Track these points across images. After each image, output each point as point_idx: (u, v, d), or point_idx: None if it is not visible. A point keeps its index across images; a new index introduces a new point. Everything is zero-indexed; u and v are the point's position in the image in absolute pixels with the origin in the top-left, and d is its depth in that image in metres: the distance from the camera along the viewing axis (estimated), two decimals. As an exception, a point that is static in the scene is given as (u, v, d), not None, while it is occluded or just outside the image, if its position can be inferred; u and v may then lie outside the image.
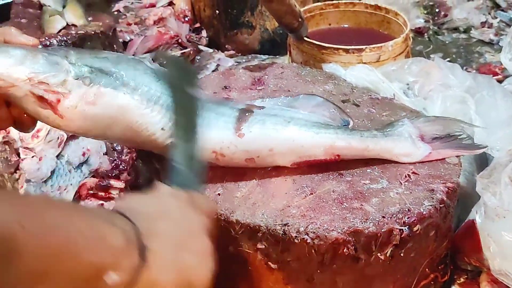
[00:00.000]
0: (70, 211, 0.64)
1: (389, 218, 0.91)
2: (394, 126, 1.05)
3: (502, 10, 2.45)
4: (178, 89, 0.96)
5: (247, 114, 1.00)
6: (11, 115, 0.89)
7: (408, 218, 0.91)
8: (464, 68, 1.99)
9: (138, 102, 0.93)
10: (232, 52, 2.11)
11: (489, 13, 2.42)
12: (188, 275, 0.70)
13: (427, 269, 1.04)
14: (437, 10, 2.37)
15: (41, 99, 0.86)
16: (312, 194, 0.96)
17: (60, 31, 1.75)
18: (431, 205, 0.94)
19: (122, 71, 0.94)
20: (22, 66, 0.85)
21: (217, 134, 0.97)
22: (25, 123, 0.92)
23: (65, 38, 1.67)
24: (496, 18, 2.39)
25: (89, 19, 1.86)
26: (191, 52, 2.00)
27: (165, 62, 1.02)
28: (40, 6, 1.93)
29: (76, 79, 0.89)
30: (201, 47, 2.08)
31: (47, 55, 0.89)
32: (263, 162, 1.00)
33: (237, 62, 2.04)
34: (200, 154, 0.90)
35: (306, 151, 0.99)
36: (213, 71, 1.93)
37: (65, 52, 0.93)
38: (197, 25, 2.19)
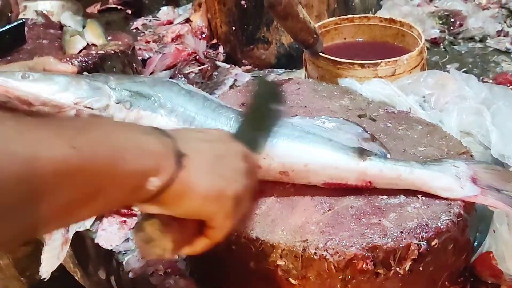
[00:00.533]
0: (110, 126, 0.68)
1: (407, 233, 0.92)
2: (442, 162, 1.03)
3: (518, 18, 2.45)
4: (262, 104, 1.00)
5: (287, 127, 1.02)
6: None
7: (426, 232, 0.92)
8: (481, 78, 1.98)
9: (175, 124, 0.97)
10: (249, 67, 2.14)
11: (505, 22, 2.41)
12: (221, 185, 0.74)
13: (446, 282, 1.04)
14: (452, 20, 2.37)
15: None
16: (330, 210, 0.98)
17: (80, 51, 1.79)
18: (448, 219, 0.95)
19: (158, 93, 0.99)
20: (67, 92, 0.90)
21: None
22: None
23: (86, 58, 1.70)
24: (512, 26, 2.38)
25: (109, 38, 1.90)
26: (209, 68, 2.03)
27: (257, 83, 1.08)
28: (61, 27, 1.98)
29: (117, 103, 0.94)
30: (218, 63, 2.11)
31: (89, 81, 0.94)
32: (296, 177, 1.01)
33: (254, 76, 2.06)
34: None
35: (338, 173, 1.00)
36: (230, 86, 1.95)
37: (105, 78, 0.98)
38: (214, 41, 2.21)
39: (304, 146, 1.00)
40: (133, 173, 0.63)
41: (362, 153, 1.00)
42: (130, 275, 1.27)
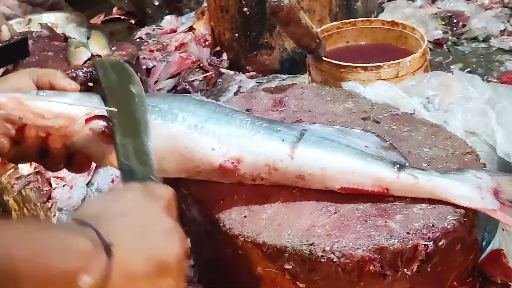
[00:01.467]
0: (29, 227, 0.67)
1: (413, 234, 0.92)
2: (463, 172, 1.01)
3: (521, 17, 2.45)
4: (117, 88, 0.99)
5: (304, 132, 1.03)
6: (66, 155, 0.95)
7: (432, 233, 0.92)
8: (485, 77, 1.98)
9: (186, 128, 0.98)
10: (253, 73, 2.15)
11: (508, 21, 2.41)
12: (157, 255, 0.71)
13: (455, 283, 1.04)
14: (455, 20, 2.37)
15: (102, 134, 0.92)
16: (336, 213, 0.98)
17: (85, 62, 1.80)
18: (455, 219, 0.94)
19: (168, 103, 1.01)
20: (79, 104, 0.92)
21: (273, 148, 1.01)
22: (81, 162, 0.97)
23: (91, 69, 1.71)
24: (515, 25, 2.38)
25: (113, 48, 1.91)
26: (213, 75, 2.04)
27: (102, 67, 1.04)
28: (66, 39, 1.99)
29: None
30: (222, 70, 2.12)
31: (101, 95, 0.97)
32: (313, 180, 1.01)
33: (258, 82, 2.07)
34: (148, 148, 0.91)
35: (355, 178, 0.99)
36: (235, 93, 1.96)
37: None
38: (218, 48, 2.23)
39: (321, 150, 1.00)
40: (59, 273, 0.62)
41: (381, 159, 1.00)
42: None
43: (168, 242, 0.74)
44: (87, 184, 1.48)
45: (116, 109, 0.92)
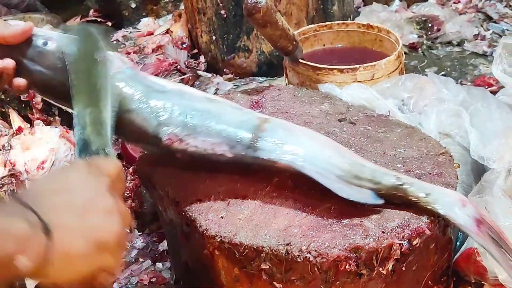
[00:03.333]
0: None
1: (388, 233, 0.93)
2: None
3: (494, 22, 2.49)
4: (80, 54, 0.96)
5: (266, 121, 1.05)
6: None
7: (407, 232, 0.93)
8: (459, 80, 2.02)
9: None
10: (230, 76, 2.15)
11: (482, 26, 2.45)
12: (96, 235, 0.72)
13: (430, 282, 1.05)
14: (429, 25, 2.40)
15: None
16: (312, 213, 0.99)
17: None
18: (429, 219, 0.96)
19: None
20: None
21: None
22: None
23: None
24: (489, 30, 2.42)
25: (89, 50, 1.89)
26: (190, 78, 2.04)
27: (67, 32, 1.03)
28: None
29: None
30: (199, 72, 2.12)
31: None
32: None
33: (236, 85, 2.08)
34: (106, 118, 0.90)
35: None
36: (212, 95, 1.96)
37: None
38: (195, 51, 2.22)
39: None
40: None
41: None
42: (116, 286, 1.27)
43: (108, 220, 0.74)
44: (63, 186, 1.46)
45: None
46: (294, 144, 1.01)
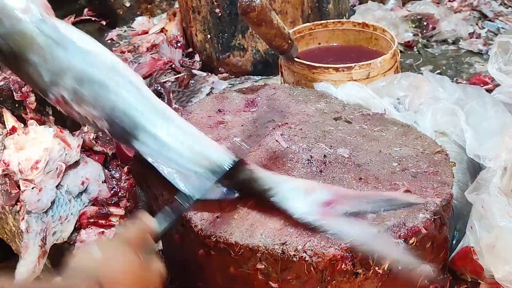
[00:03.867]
0: None
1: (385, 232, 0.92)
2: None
3: (489, 20, 2.49)
4: None
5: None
6: None
7: (403, 231, 0.93)
8: (455, 79, 2.01)
9: None
10: (225, 74, 2.14)
11: (477, 24, 2.45)
12: None
13: (426, 281, 1.05)
14: (425, 23, 2.40)
15: None
16: (308, 212, 0.98)
17: (54, 62, 1.77)
18: (425, 218, 0.95)
19: None
20: None
21: None
22: None
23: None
24: (484, 28, 2.42)
25: (83, 49, 1.88)
26: (185, 77, 2.03)
27: None
28: (34, 39, 1.96)
29: None
30: (194, 71, 2.10)
31: None
32: None
33: (231, 84, 2.07)
34: None
35: None
36: (207, 94, 1.95)
37: None
38: (190, 50, 2.21)
39: None
40: None
41: None
42: (110, 286, 1.26)
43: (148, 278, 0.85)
44: (57, 186, 1.45)
45: None
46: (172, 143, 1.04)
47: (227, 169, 0.99)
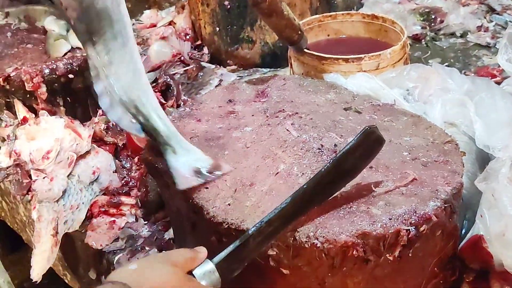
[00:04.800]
0: None
1: (395, 220, 0.93)
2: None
3: (497, 14, 2.48)
4: None
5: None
6: None
7: (414, 218, 0.94)
8: (463, 72, 2.01)
9: None
10: (234, 67, 2.14)
11: (485, 17, 2.45)
12: None
13: (436, 269, 1.06)
14: (433, 16, 2.40)
15: None
16: (319, 200, 0.99)
17: (65, 54, 1.79)
18: (436, 206, 0.96)
19: None
20: None
21: None
22: None
23: (71, 61, 1.70)
24: (492, 21, 2.42)
25: (93, 41, 1.89)
26: (194, 69, 2.04)
27: None
28: (45, 31, 1.97)
29: None
30: (203, 63, 2.11)
31: None
32: None
33: (240, 76, 2.07)
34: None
35: None
36: (216, 86, 1.96)
37: None
38: (199, 42, 2.22)
39: None
40: None
41: None
42: (121, 273, 1.27)
43: None
44: (68, 176, 1.47)
45: None
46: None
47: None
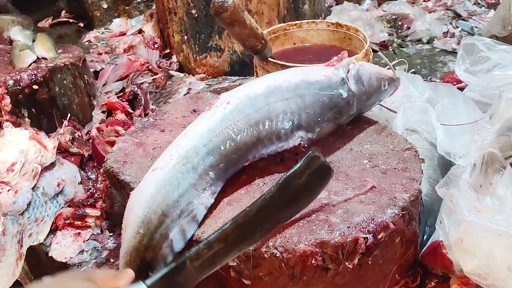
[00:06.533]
0: None
1: (354, 228, 0.94)
2: None
3: (463, 20, 2.53)
4: None
5: None
6: None
7: (372, 226, 0.95)
8: (429, 77, 2.04)
9: None
10: (203, 75, 2.15)
11: (451, 23, 2.49)
12: None
13: (397, 275, 1.07)
14: (400, 23, 2.44)
15: None
16: (279, 209, 0.99)
17: (30, 65, 1.77)
18: (393, 213, 0.97)
19: None
20: None
21: None
22: None
23: (35, 72, 1.68)
24: (458, 27, 2.46)
25: (59, 51, 1.88)
26: (162, 78, 2.03)
27: None
28: (11, 42, 1.95)
29: None
30: (171, 72, 2.11)
31: None
32: None
33: (208, 84, 2.07)
34: None
35: None
36: (184, 95, 1.95)
37: None
38: (167, 51, 2.22)
39: None
40: None
41: None
42: (86, 286, 1.26)
43: None
44: (33, 188, 1.45)
45: None
46: None
47: None
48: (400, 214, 0.98)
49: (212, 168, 1.01)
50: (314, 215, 0.97)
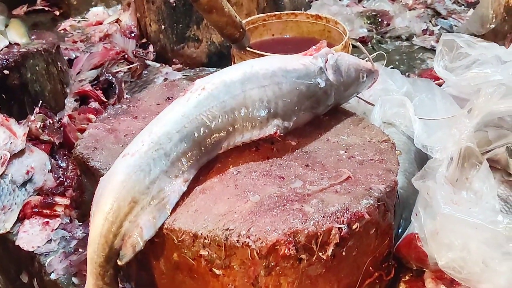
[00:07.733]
0: None
1: (328, 218, 0.92)
2: None
3: (443, 18, 2.54)
4: None
5: None
6: None
7: (346, 216, 0.93)
8: (407, 74, 2.04)
9: None
10: (179, 66, 2.11)
11: (430, 21, 2.50)
12: None
13: (371, 268, 1.05)
14: (379, 19, 2.43)
15: None
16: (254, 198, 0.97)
17: (2, 49, 1.72)
18: (369, 203, 0.96)
19: None
20: None
21: None
22: None
23: (6, 57, 1.64)
24: (437, 25, 2.47)
25: (33, 37, 1.83)
26: (138, 67, 1.99)
27: None
28: (-18, 26, 1.90)
29: None
30: (148, 62, 2.07)
31: None
32: None
33: (185, 75, 2.04)
34: None
35: None
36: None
37: None
38: (144, 40, 2.18)
39: None
40: None
41: None
42: (53, 276, 1.23)
43: None
44: (1, 175, 1.41)
45: None
46: None
47: None
48: (376, 205, 0.96)
49: (185, 155, 0.99)
50: (288, 204, 0.95)
